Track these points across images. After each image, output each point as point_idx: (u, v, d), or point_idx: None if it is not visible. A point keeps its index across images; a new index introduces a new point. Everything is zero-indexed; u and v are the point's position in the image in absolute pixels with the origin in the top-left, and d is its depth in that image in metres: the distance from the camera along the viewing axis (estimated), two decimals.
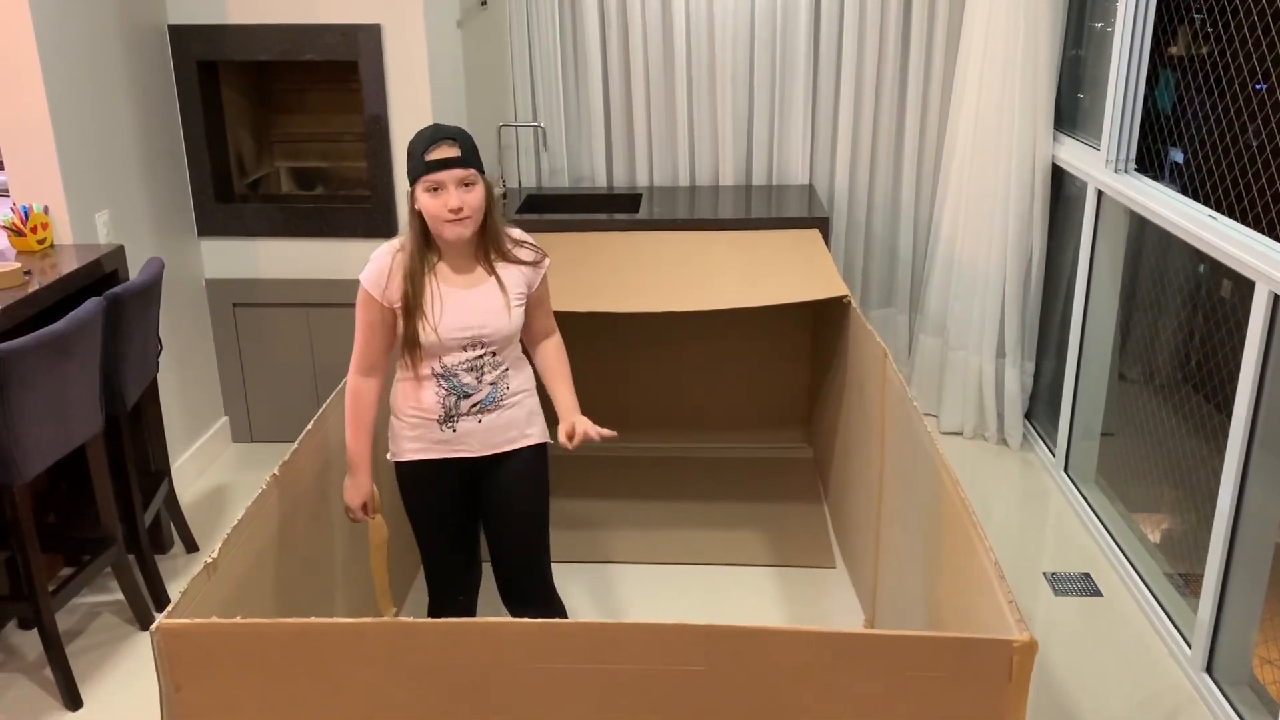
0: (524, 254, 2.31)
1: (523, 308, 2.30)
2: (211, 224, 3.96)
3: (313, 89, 4.26)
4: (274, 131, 4.35)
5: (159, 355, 3.27)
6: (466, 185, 2.15)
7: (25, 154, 3.16)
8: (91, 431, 2.83)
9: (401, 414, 2.32)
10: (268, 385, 4.16)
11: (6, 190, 3.21)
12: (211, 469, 4.04)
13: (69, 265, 3.05)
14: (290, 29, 3.72)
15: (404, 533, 2.57)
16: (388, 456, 2.39)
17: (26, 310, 2.82)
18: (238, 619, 1.70)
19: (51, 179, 3.17)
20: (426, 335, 2.20)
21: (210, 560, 1.87)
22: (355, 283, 3.95)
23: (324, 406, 2.53)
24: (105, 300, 2.83)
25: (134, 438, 3.28)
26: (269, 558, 2.17)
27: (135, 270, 3.38)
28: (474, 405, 2.28)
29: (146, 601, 3.11)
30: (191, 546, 3.50)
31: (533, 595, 2.45)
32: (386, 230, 3.91)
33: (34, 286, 2.88)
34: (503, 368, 2.30)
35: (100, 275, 3.15)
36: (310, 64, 4.01)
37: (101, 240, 3.35)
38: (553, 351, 2.45)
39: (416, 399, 2.28)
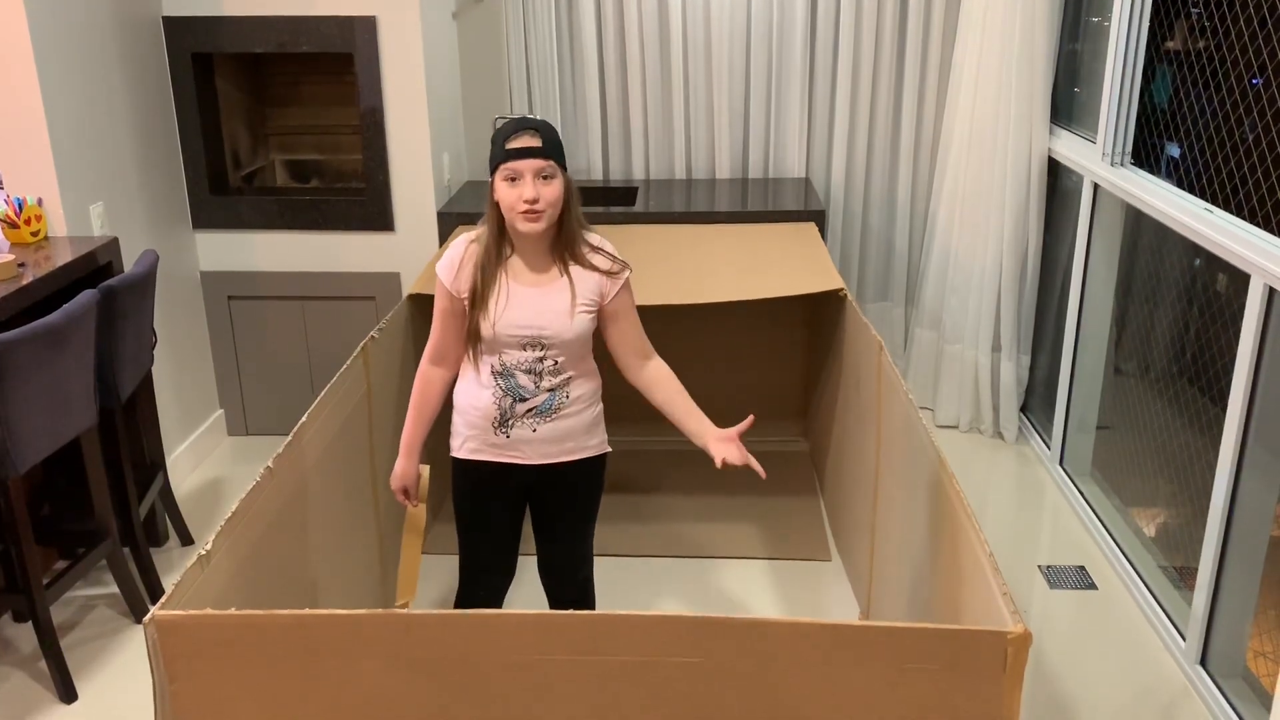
0: (599, 260, 2.24)
1: (591, 316, 2.23)
2: (206, 216, 3.95)
3: (308, 81, 4.25)
4: (269, 124, 4.35)
5: (154, 348, 3.27)
6: (545, 177, 2.11)
7: (19, 146, 3.15)
8: (86, 424, 2.82)
9: (461, 410, 2.32)
10: (263, 378, 4.15)
11: (0, 182, 3.20)
12: (207, 462, 4.04)
13: (63, 257, 3.05)
14: (285, 20, 3.71)
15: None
16: (451, 452, 2.38)
17: (20, 302, 2.82)
18: (232, 610, 1.69)
19: (45, 171, 3.17)
20: (485, 329, 2.19)
21: (204, 552, 1.87)
22: (350, 276, 3.97)
23: (320, 397, 2.53)
24: (99, 292, 2.82)
25: (129, 430, 3.27)
26: (264, 550, 2.17)
27: (130, 263, 3.37)
28: (529, 410, 2.24)
29: (141, 594, 3.10)
30: (186, 539, 3.49)
31: (567, 587, 2.50)
32: (382, 223, 3.90)
33: (28, 279, 2.87)
34: (564, 376, 2.24)
35: (94, 267, 3.14)
36: (305, 56, 4.00)
37: (96, 232, 3.34)
38: (665, 379, 2.34)
39: (475, 397, 2.26)
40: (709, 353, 4.04)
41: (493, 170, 2.16)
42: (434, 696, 1.71)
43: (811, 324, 4.00)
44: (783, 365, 4.11)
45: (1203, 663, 2.78)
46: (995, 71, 3.79)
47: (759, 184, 4.40)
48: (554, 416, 2.26)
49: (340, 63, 3.98)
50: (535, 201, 2.10)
